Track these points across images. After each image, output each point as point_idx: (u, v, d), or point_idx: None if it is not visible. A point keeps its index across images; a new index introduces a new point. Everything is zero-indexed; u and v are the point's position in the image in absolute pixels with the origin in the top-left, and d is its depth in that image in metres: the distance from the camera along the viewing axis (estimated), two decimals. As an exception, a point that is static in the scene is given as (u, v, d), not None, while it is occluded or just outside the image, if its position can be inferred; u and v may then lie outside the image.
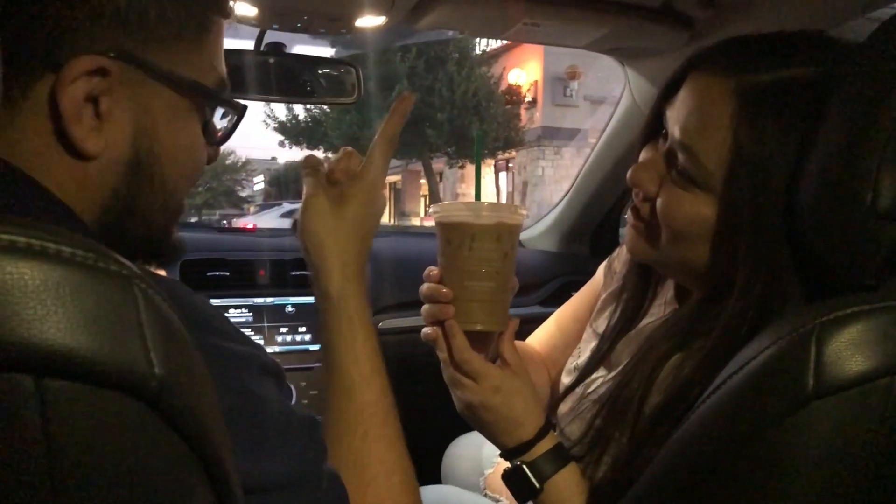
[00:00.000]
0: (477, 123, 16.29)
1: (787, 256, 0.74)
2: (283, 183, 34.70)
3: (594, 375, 0.98)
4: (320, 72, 1.40)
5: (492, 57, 18.39)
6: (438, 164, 19.70)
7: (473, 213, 0.83)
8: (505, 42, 18.23)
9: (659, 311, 0.98)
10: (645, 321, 0.98)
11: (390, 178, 27.79)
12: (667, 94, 0.87)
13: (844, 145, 0.64)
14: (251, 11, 1.16)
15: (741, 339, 0.72)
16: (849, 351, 0.58)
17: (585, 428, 0.90)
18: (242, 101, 0.71)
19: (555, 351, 1.18)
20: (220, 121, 0.71)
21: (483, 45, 18.39)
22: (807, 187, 0.69)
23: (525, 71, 18.27)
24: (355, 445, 0.71)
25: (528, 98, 18.21)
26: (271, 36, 1.35)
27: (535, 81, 18.07)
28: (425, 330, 0.87)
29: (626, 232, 0.92)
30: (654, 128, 0.90)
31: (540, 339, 1.22)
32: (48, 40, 0.55)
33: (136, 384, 0.34)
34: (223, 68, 0.68)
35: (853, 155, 0.63)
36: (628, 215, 0.91)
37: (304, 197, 0.78)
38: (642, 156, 0.89)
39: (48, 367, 0.32)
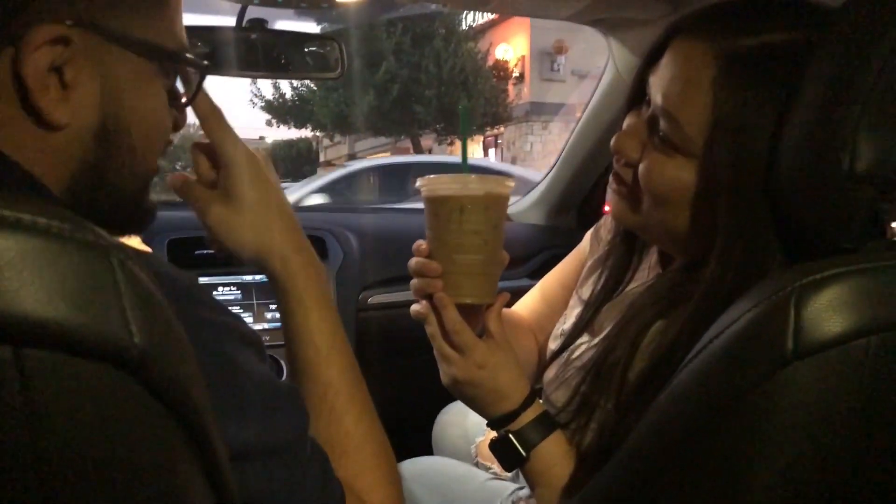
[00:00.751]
0: (465, 99, 16.21)
1: (768, 221, 0.75)
2: (272, 162, 34.45)
3: (579, 341, 0.99)
4: (303, 48, 1.39)
5: (479, 32, 18.27)
6: (427, 140, 19.63)
7: (461, 185, 0.82)
8: (491, 17, 18.11)
9: (643, 276, 0.99)
10: (630, 287, 0.99)
11: (380, 155, 27.70)
12: (650, 60, 0.87)
13: (822, 109, 0.65)
14: (231, -15, 1.15)
15: (721, 303, 0.72)
16: (827, 313, 0.58)
17: (571, 394, 0.91)
18: (204, 62, 0.70)
19: (541, 318, 1.19)
20: (183, 86, 0.71)
21: (469, 20, 18.26)
22: (786, 151, 0.69)
23: (512, 46, 18.16)
24: (322, 423, 0.71)
25: (516, 73, 18.13)
26: (253, 12, 1.33)
27: (523, 56, 17.97)
28: (414, 307, 0.88)
29: (608, 195, 0.92)
30: (637, 95, 0.90)
31: (527, 305, 1.23)
32: (4, 12, 0.55)
33: (116, 353, 0.34)
34: (183, 34, 0.67)
35: (831, 118, 0.63)
36: (610, 179, 0.91)
37: (199, 218, 0.75)
38: (626, 123, 0.90)
39: (27, 338, 0.32)
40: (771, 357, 0.60)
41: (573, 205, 2.03)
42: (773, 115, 0.73)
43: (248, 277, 1.63)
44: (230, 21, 1.32)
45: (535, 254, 2.00)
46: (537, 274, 1.94)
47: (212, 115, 0.74)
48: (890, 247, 0.63)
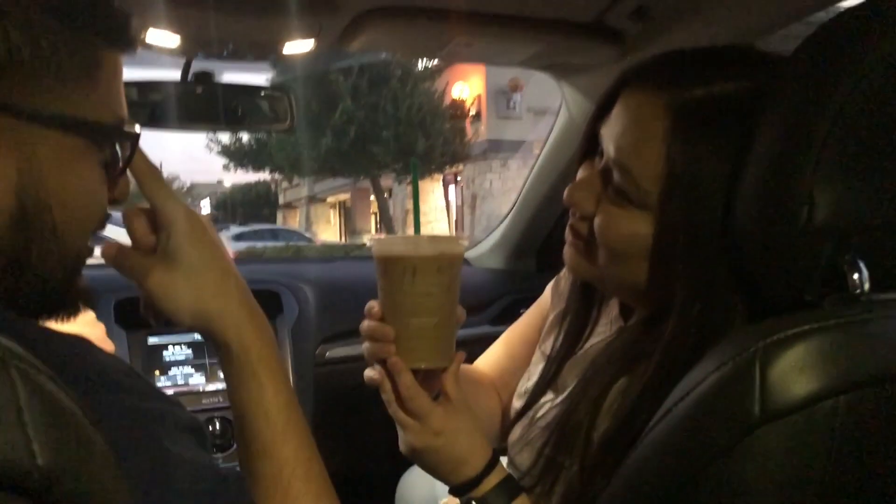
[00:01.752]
0: (422, 139, 16.30)
1: (727, 275, 0.73)
2: (230, 206, 34.23)
3: (542, 400, 0.95)
4: (252, 99, 1.36)
5: (435, 72, 18.42)
6: (387, 180, 19.64)
7: (412, 245, 0.80)
8: (447, 57, 18.32)
9: (605, 329, 0.96)
10: (591, 341, 0.96)
11: (340, 197, 27.63)
12: (600, 112, 0.86)
13: (777, 160, 0.64)
14: (173, 41, 1.12)
15: (683, 361, 0.70)
16: (793, 374, 0.56)
17: (535, 456, 0.88)
18: (136, 130, 0.65)
19: (504, 374, 1.16)
20: (119, 153, 0.66)
21: (425, 61, 18.45)
22: (742, 204, 0.68)
23: (468, 85, 18.35)
24: None
25: (473, 112, 18.30)
26: (199, 64, 1.30)
27: (479, 95, 18.15)
28: (368, 372, 0.84)
29: (565, 249, 0.90)
30: (589, 146, 0.89)
31: (489, 361, 1.20)
32: None
33: (15, 479, 0.30)
34: (120, 104, 0.63)
35: (787, 169, 0.62)
36: (567, 233, 0.89)
37: (138, 285, 0.69)
38: (579, 174, 0.88)
39: None
40: (738, 421, 0.57)
41: (533, 248, 2.02)
42: (726, 167, 0.72)
43: (199, 336, 1.57)
44: (175, 74, 1.29)
45: (496, 299, 1.98)
46: (498, 320, 1.91)
47: (149, 175, 0.69)
48: (851, 300, 0.61)
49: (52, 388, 0.33)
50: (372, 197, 21.91)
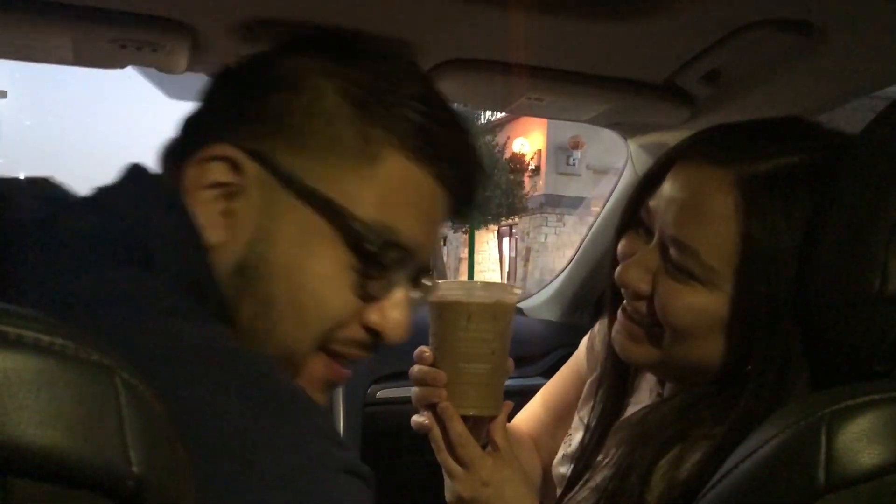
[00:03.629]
0: (481, 189, 16.40)
1: (800, 345, 0.72)
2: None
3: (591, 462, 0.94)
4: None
5: (496, 126, 18.68)
6: (442, 227, 19.81)
7: (468, 291, 0.81)
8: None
9: (646, 396, 0.95)
10: (632, 408, 0.95)
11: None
12: (647, 185, 0.85)
13: (852, 231, 0.64)
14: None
15: (750, 429, 0.69)
16: (860, 443, 0.55)
17: None
18: (408, 245, 0.63)
19: (544, 433, 1.14)
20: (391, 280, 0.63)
21: (487, 114, 18.72)
22: (816, 273, 0.68)
23: (529, 140, 18.52)
24: None
25: (532, 166, 18.42)
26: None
27: (539, 150, 18.30)
28: (416, 418, 0.84)
29: (615, 335, 0.88)
30: (632, 218, 0.87)
31: (527, 419, 1.18)
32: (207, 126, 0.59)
33: (111, 484, 0.32)
34: (402, 221, 0.62)
35: (861, 240, 0.62)
36: (619, 316, 0.87)
37: None
38: (624, 248, 0.86)
39: (15, 466, 0.30)
40: (801, 488, 0.56)
41: (589, 303, 2.01)
42: (799, 239, 0.71)
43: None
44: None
45: (549, 351, 1.96)
46: (550, 372, 1.88)
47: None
48: (923, 373, 0.60)
49: (151, 400, 0.35)
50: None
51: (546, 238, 17.92)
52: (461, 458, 0.81)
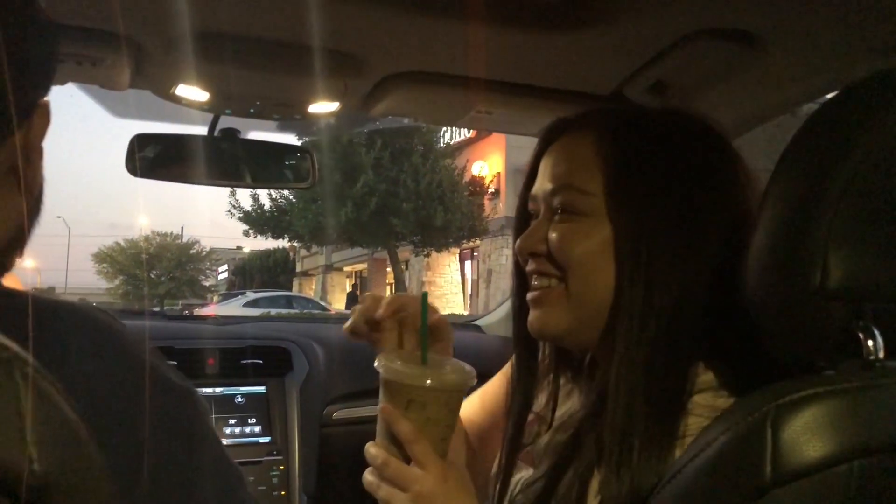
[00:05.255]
0: (441, 213, 16.46)
1: (728, 334, 0.75)
2: (248, 272, 34.47)
3: (517, 476, 0.93)
4: (275, 158, 1.39)
5: (455, 149, 18.78)
6: (404, 252, 19.76)
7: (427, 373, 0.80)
8: (468, 136, 18.70)
9: (574, 403, 0.94)
10: (560, 411, 0.94)
11: (356, 267, 27.76)
12: (529, 181, 0.91)
13: (789, 223, 0.64)
14: (202, 96, 1.16)
15: (643, 376, 0.74)
16: (806, 436, 0.55)
17: None
18: None
19: (478, 429, 1.13)
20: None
21: (447, 138, 18.84)
22: (752, 266, 0.68)
23: (488, 163, 18.65)
24: None
25: (492, 189, 18.54)
26: (226, 122, 1.34)
27: (498, 173, 18.44)
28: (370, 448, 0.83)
29: (529, 319, 0.88)
30: (524, 217, 0.93)
31: (465, 416, 1.17)
32: None
33: (10, 483, 0.30)
34: None
35: (799, 232, 0.62)
36: (527, 297, 0.88)
37: None
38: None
39: None
40: (749, 484, 0.56)
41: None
42: (665, 185, 0.79)
43: (208, 390, 1.57)
44: (202, 130, 1.33)
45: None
46: (509, 389, 1.89)
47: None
48: (866, 366, 0.60)
49: (54, 395, 0.33)
50: (388, 268, 22.01)
51: (507, 259, 18.00)
52: (416, 455, 0.79)
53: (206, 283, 38.51)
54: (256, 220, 19.57)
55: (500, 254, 18.05)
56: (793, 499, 0.55)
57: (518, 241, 0.88)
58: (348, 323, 0.92)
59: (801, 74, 1.09)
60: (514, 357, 1.02)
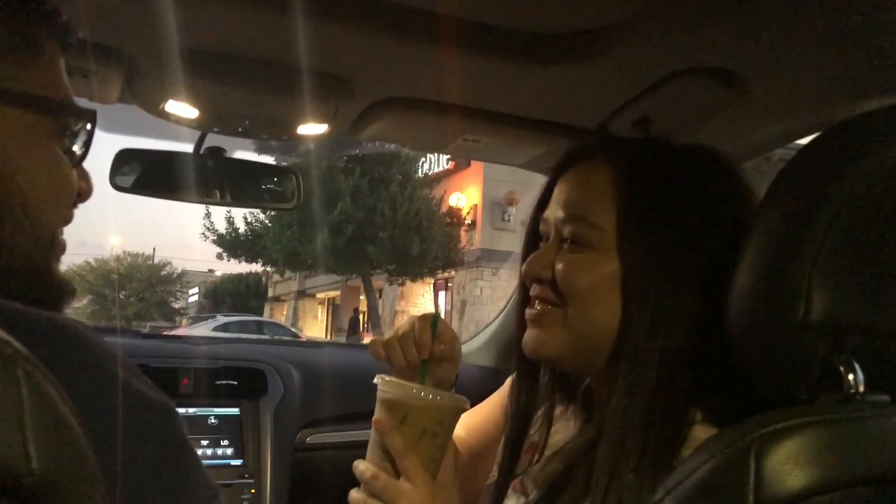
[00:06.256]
0: (417, 243, 16.47)
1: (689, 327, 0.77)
2: (219, 296, 34.09)
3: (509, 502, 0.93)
4: (261, 178, 1.39)
5: (434, 180, 18.86)
6: (378, 280, 19.70)
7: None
8: (446, 167, 18.81)
9: (567, 426, 0.94)
10: (554, 438, 0.94)
11: (329, 294, 27.59)
12: (542, 204, 0.92)
13: (774, 257, 0.65)
14: (192, 113, 1.16)
15: (642, 417, 0.74)
16: (788, 465, 0.56)
17: None
18: (92, 109, 0.68)
19: (468, 450, 1.12)
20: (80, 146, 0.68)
21: (425, 168, 18.91)
22: (736, 298, 0.69)
23: (465, 195, 18.75)
24: None
25: (468, 221, 18.62)
26: (212, 140, 1.34)
27: (475, 205, 18.53)
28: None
29: (525, 338, 0.89)
30: (533, 237, 0.93)
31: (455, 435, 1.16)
32: None
33: (9, 481, 0.29)
34: (65, 84, 0.65)
35: (783, 266, 0.64)
36: (526, 314, 0.89)
37: None
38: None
39: None
40: (731, 513, 0.56)
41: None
42: (678, 207, 0.80)
43: (181, 410, 1.54)
44: (188, 147, 1.33)
45: (486, 395, 1.95)
46: (485, 418, 1.88)
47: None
48: (847, 399, 0.61)
49: (54, 395, 0.32)
50: (362, 296, 21.91)
51: (481, 291, 18.02)
52: (406, 470, 0.79)
53: (176, 306, 38.02)
54: (230, 244, 19.43)
55: (475, 285, 18.07)
56: (774, 529, 0.55)
57: (525, 264, 0.89)
58: (387, 339, 0.93)
59: (782, 115, 1.12)
60: (513, 378, 1.02)
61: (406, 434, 0.80)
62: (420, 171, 18.61)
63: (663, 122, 1.21)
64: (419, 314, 0.94)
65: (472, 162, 17.61)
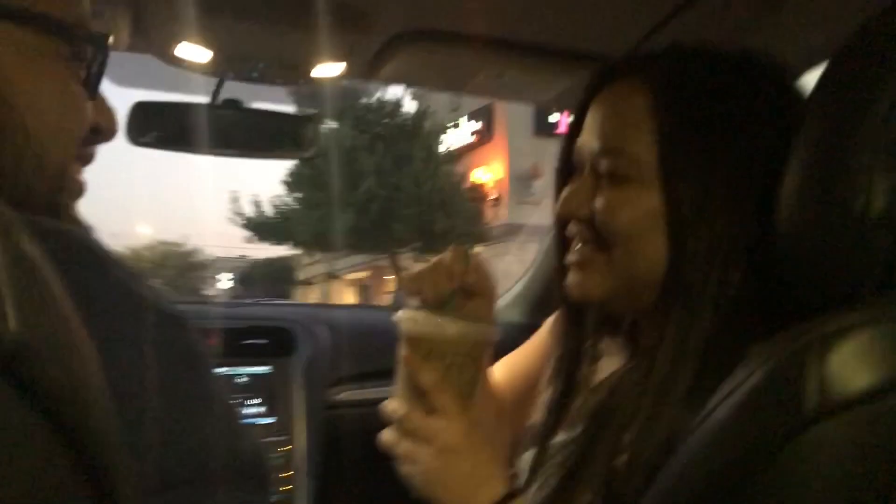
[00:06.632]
0: (443, 219, 16.45)
1: (756, 265, 0.71)
2: (251, 281, 34.42)
3: (555, 440, 0.89)
4: (277, 126, 1.36)
5: (457, 156, 18.78)
6: (406, 259, 19.75)
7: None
8: (470, 141, 18.71)
9: (614, 363, 0.90)
10: (600, 376, 0.90)
11: (358, 276, 27.69)
12: (574, 130, 0.84)
13: (830, 147, 0.60)
14: (205, 56, 1.12)
15: (697, 356, 0.69)
16: (855, 363, 0.51)
17: (551, 493, 0.81)
18: (106, 34, 0.62)
19: (509, 393, 1.09)
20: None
21: (448, 144, 18.83)
22: (788, 198, 0.64)
23: (490, 170, 18.65)
24: None
25: (494, 195, 18.54)
26: (228, 90, 1.31)
27: (500, 179, 18.44)
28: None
29: (568, 281, 0.84)
30: (567, 166, 0.86)
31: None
32: None
33: None
34: (85, 9, 0.60)
35: (841, 156, 0.58)
36: (570, 257, 0.84)
37: None
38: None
39: None
40: (791, 416, 0.52)
41: (553, 301, 1.97)
42: (724, 142, 0.73)
43: (222, 369, 1.52)
44: (204, 98, 1.30)
45: (515, 352, 1.92)
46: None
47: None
48: (910, 298, 0.56)
49: (37, 257, 0.29)
50: (390, 276, 21.99)
51: (509, 266, 18.03)
52: (439, 405, 0.76)
53: (209, 293, 38.51)
54: (259, 227, 19.55)
55: (501, 260, 18.05)
56: (839, 432, 0.51)
57: (559, 202, 0.83)
58: (418, 271, 0.89)
59: (823, 26, 1.06)
60: (554, 322, 0.99)
61: (432, 369, 0.77)
62: (443, 146, 18.54)
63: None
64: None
65: (496, 134, 17.53)
